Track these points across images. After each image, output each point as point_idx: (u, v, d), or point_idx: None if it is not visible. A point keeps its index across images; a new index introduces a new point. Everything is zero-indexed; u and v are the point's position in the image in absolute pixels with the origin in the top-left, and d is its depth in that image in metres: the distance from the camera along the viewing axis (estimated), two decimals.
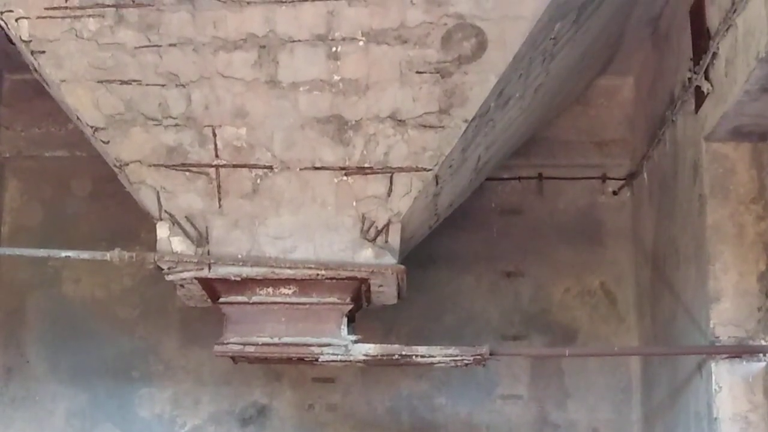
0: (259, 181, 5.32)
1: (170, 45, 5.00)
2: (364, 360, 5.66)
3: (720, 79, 5.08)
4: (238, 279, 5.50)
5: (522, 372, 7.24)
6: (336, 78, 5.05)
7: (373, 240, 5.38)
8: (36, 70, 5.24)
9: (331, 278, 5.48)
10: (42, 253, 6.06)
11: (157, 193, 5.39)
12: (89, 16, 4.95)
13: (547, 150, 7.36)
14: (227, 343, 5.63)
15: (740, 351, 5.23)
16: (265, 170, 5.30)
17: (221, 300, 5.65)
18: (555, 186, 7.42)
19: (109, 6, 4.92)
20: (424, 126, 5.14)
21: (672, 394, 6.13)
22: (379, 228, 5.36)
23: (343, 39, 4.94)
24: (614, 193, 7.39)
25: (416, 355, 5.61)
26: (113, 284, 7.40)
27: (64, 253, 5.76)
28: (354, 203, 5.35)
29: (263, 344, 5.60)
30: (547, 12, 4.88)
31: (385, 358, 5.65)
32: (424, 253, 6.63)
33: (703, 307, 5.41)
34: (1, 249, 7.15)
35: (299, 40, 4.95)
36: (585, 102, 7.41)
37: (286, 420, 7.26)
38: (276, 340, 5.59)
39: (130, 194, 5.56)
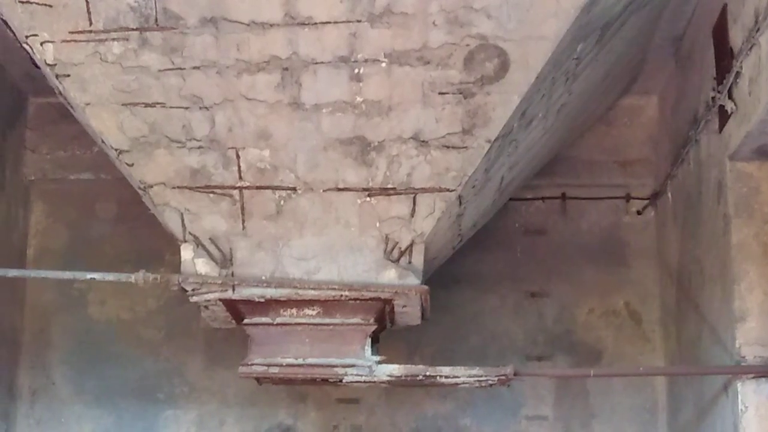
0: (282, 202, 5.33)
1: (194, 68, 5.01)
2: (388, 381, 5.66)
3: (743, 98, 5.06)
4: (262, 300, 5.51)
5: (547, 392, 7.21)
6: (359, 99, 5.05)
7: (397, 261, 5.38)
8: (61, 94, 5.27)
9: (355, 299, 5.48)
10: (67, 275, 6.07)
11: (182, 215, 5.40)
12: (113, 39, 4.97)
13: (571, 170, 7.35)
14: (252, 364, 5.64)
15: (766, 371, 5.20)
16: (289, 192, 5.31)
17: (245, 321, 5.66)
18: (579, 206, 7.41)
19: (133, 29, 4.93)
20: (447, 147, 5.14)
21: (698, 415, 6.09)
22: (403, 249, 5.36)
23: (366, 60, 4.94)
24: (638, 212, 7.37)
25: (440, 376, 5.61)
26: (138, 306, 7.42)
27: (89, 275, 5.78)
28: (377, 224, 5.35)
29: (287, 365, 5.61)
30: (569, 32, 4.88)
31: (409, 378, 5.64)
32: (448, 274, 6.62)
33: (729, 327, 5.38)
34: (26, 271, 7.20)
35: (322, 62, 4.96)
36: (608, 121, 7.40)
37: None
38: (300, 361, 5.60)
39: (155, 216, 5.58)
